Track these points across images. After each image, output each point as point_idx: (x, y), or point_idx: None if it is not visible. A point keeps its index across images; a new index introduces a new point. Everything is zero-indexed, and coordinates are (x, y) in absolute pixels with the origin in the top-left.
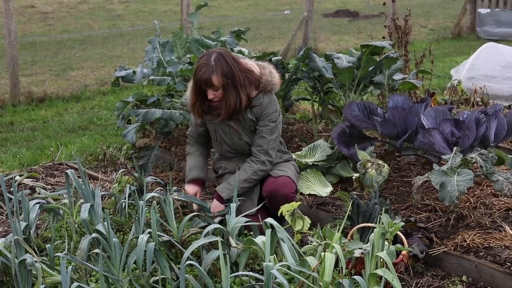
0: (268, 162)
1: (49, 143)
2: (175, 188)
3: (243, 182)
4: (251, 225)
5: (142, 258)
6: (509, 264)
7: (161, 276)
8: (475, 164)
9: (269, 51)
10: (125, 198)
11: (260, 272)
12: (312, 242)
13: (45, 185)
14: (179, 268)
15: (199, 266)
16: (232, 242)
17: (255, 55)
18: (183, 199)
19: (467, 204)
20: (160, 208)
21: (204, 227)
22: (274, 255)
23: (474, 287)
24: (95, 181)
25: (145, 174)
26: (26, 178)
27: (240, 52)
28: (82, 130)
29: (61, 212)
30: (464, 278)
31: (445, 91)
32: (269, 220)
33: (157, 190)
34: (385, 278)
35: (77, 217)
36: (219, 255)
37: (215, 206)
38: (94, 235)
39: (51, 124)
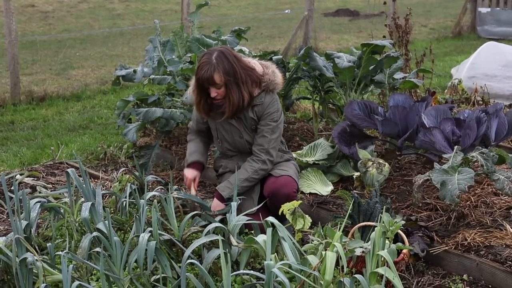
0: (268, 162)
1: (49, 142)
2: (175, 187)
3: (244, 181)
4: (252, 223)
5: (143, 257)
6: (510, 263)
7: (162, 275)
8: (476, 163)
9: (269, 50)
10: (125, 197)
11: (261, 270)
12: (313, 241)
13: (45, 184)
14: (180, 266)
15: (200, 265)
16: (233, 241)
17: (255, 54)
18: (183, 197)
19: (468, 203)
20: (161, 207)
21: (205, 226)
22: (275, 253)
23: (475, 286)
24: (95, 180)
25: (146, 173)
26: (27, 177)
27: (240, 51)
28: (82, 129)
29: (62, 211)
30: (465, 277)
31: (446, 90)
32: (270, 218)
33: (157, 189)
34: (386, 276)
35: (78, 216)
36: (220, 254)
37: (216, 205)
38: (95, 234)
39: (51, 123)
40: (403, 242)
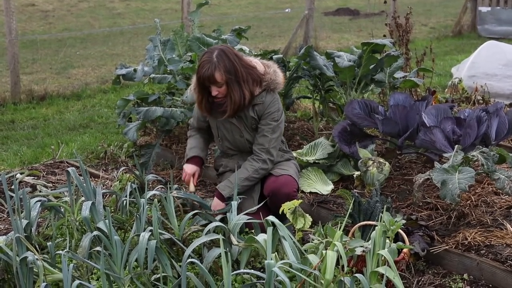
0: (269, 161)
1: (50, 141)
2: (176, 186)
3: (244, 180)
4: (253, 223)
5: (144, 256)
6: (511, 262)
7: (163, 274)
8: (476, 162)
9: (270, 49)
10: (126, 196)
11: (262, 270)
12: (313, 240)
13: (46, 183)
14: (180, 266)
15: (200, 264)
16: (234, 240)
17: (256, 53)
18: (184, 197)
19: (468, 202)
20: (161, 206)
21: (205, 225)
22: (276, 253)
23: (475, 285)
24: (96, 179)
25: (146, 172)
26: (27, 176)
27: (241, 50)
28: (83, 128)
29: (62, 210)
30: (465, 276)
31: (446, 89)
32: (271, 218)
33: (158, 188)
34: (386, 276)
35: (78, 215)
36: (220, 253)
37: (216, 204)
38: (95, 233)
39: (52, 122)
40: (403, 242)
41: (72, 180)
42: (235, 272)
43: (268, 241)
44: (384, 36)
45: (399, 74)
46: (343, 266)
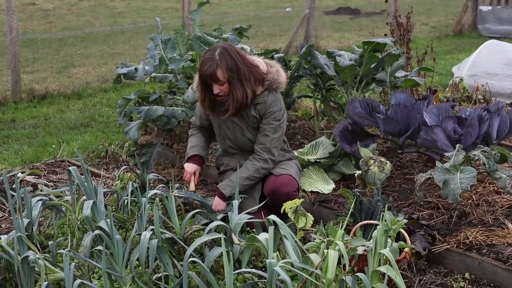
0: (270, 161)
1: (51, 140)
2: (177, 185)
3: (245, 179)
4: (254, 222)
5: (145, 255)
6: None
7: (164, 273)
8: (477, 162)
9: (271, 49)
10: (127, 195)
11: (263, 269)
12: (315, 239)
13: (47, 182)
14: (182, 265)
15: (202, 263)
16: (235, 239)
17: (257, 52)
18: (185, 196)
19: (470, 201)
20: (163, 205)
21: (206, 224)
22: (277, 252)
23: (476, 284)
24: (97, 178)
25: (147, 171)
26: (28, 175)
27: (242, 49)
28: (83, 127)
29: (63, 209)
30: (466, 275)
31: (447, 89)
32: (272, 217)
33: (159, 187)
34: (388, 275)
35: (80, 214)
36: (221, 252)
37: (217, 203)
38: (96, 232)
39: (52, 121)
40: (405, 241)
41: (73, 179)
42: (236, 271)
43: (269, 240)
44: (385, 35)
45: (400, 73)
46: (344, 265)
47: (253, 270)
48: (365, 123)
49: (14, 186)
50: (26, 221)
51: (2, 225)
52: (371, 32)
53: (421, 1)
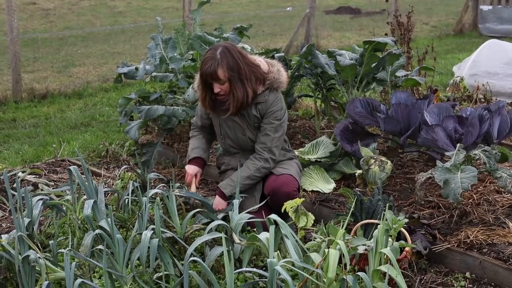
0: (271, 160)
1: (51, 140)
2: (178, 184)
3: (246, 179)
4: (255, 221)
5: (146, 255)
6: None
7: (165, 273)
8: (478, 161)
9: (271, 48)
10: (128, 195)
11: (264, 268)
12: (315, 238)
13: (48, 182)
14: (182, 264)
15: (202, 263)
16: (236, 238)
17: (257, 51)
18: (186, 195)
19: (470, 200)
20: (163, 204)
21: (207, 224)
22: (278, 251)
23: (477, 283)
24: (97, 178)
25: (148, 170)
26: (29, 174)
27: (242, 48)
28: (84, 127)
29: (64, 208)
30: (467, 274)
31: (448, 88)
32: (273, 216)
33: (160, 186)
34: (389, 274)
35: (80, 214)
36: (222, 252)
37: (218, 202)
38: (97, 231)
39: (53, 120)
40: (405, 240)
41: (74, 178)
42: (237, 270)
43: (270, 240)
44: (386, 34)
45: (401, 73)
46: (345, 265)
47: (254, 269)
48: (366, 122)
49: (14, 185)
50: (26, 220)
51: (3, 224)
52: (372, 32)
53: (421, 0)
